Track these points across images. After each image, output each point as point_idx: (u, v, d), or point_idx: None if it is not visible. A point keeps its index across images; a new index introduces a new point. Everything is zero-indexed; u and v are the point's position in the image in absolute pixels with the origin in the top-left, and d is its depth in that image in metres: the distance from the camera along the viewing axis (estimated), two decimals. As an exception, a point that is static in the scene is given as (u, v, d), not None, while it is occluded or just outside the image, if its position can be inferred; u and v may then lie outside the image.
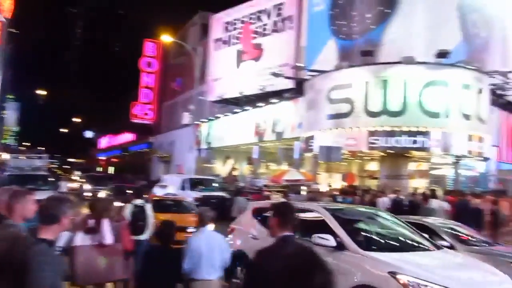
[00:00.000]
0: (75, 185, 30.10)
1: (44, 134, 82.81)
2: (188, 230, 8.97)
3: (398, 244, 6.36)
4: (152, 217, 7.44)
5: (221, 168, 32.36)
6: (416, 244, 6.21)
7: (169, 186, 18.50)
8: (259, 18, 27.58)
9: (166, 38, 33.88)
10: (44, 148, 49.13)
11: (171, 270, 4.60)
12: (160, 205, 11.58)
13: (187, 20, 41.76)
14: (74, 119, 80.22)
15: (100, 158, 74.48)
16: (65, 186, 21.98)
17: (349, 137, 18.13)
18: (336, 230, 5.79)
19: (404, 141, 17.18)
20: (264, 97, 25.74)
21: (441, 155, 18.52)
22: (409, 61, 17.20)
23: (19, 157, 28.80)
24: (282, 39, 25.66)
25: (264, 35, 27.00)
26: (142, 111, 46.44)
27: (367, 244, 5.86)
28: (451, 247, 6.93)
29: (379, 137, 17.53)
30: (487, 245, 7.90)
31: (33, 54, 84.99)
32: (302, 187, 18.92)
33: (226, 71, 30.07)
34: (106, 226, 5.01)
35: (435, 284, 4.73)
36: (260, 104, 26.24)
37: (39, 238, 2.50)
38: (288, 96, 23.85)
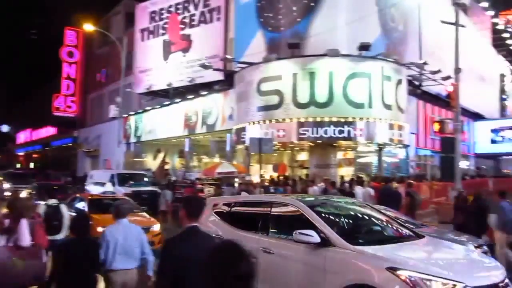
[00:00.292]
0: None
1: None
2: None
3: (383, 236, 5.87)
4: (67, 217, 7.26)
5: (152, 162, 31.67)
6: (399, 235, 5.89)
7: (107, 183, 17.59)
8: (186, 9, 27.05)
9: (88, 27, 32.23)
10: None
11: (88, 262, 4.57)
12: (97, 205, 10.76)
13: (110, 8, 40.03)
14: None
15: (19, 154, 69.84)
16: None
17: (279, 128, 18.49)
18: (318, 225, 5.30)
19: (332, 131, 17.81)
20: (194, 89, 25.45)
21: (366, 144, 19.46)
22: (334, 53, 17.80)
23: None
24: (211, 30, 25.41)
25: (192, 26, 26.56)
26: (65, 103, 44.07)
27: (353, 238, 5.37)
28: None
29: (308, 128, 18.04)
30: (414, 227, 7.94)
31: None
32: (235, 179, 19.08)
33: (154, 62, 29.29)
34: (24, 226, 4.80)
35: (440, 277, 4.40)
36: (190, 96, 25.92)
37: None
38: (218, 88, 23.77)
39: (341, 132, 17.81)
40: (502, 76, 40.06)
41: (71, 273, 4.44)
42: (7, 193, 22.17)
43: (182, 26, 27.17)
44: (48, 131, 54.23)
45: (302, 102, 18.23)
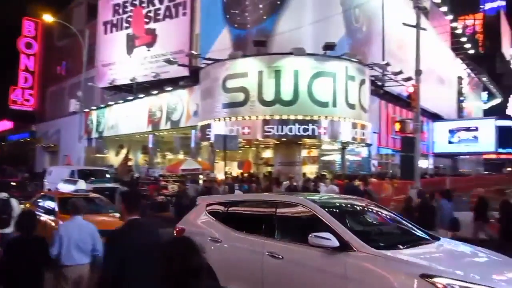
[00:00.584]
0: None
1: None
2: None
3: (400, 238, 5.29)
4: (17, 211, 7.19)
5: (114, 158, 30.98)
6: (417, 236, 5.35)
7: (80, 181, 16.38)
8: (151, 2, 26.54)
9: (48, 18, 31.05)
10: None
11: (35, 260, 4.52)
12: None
13: (71, -1, 38.81)
14: None
15: (-28, 149, 66.77)
16: None
17: (244, 125, 18.48)
18: (334, 227, 4.76)
19: (296, 129, 17.96)
20: (159, 84, 25.05)
21: (330, 142, 19.75)
22: (299, 52, 17.93)
23: None
24: (176, 25, 25.06)
25: (157, 20, 26.10)
26: (22, 96, 42.44)
27: (372, 240, 4.78)
28: None
29: (273, 126, 18.11)
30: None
31: None
32: (199, 176, 18.93)
33: (117, 56, 28.62)
34: None
35: (482, 285, 3.87)
36: (154, 91, 25.50)
37: None
38: (183, 84, 23.49)
39: (305, 130, 17.99)
40: (460, 78, 41.68)
41: (16, 271, 4.42)
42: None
43: (147, 20, 26.67)
44: (4, 125, 52.11)
45: (268, 99, 18.28)
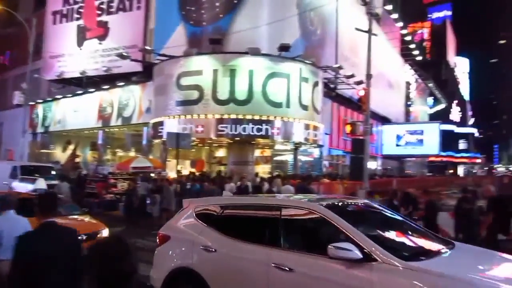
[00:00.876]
0: None
1: None
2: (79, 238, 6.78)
3: (423, 247, 4.66)
4: None
5: (61, 154, 29.80)
6: (437, 244, 4.74)
7: (39, 179, 14.99)
8: (104, -6, 25.72)
9: (-9, 4, 29.36)
10: None
11: None
12: (29, 207, 8.65)
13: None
14: None
15: None
16: None
17: (198, 124, 18.30)
18: (353, 236, 4.16)
19: (250, 129, 18.01)
20: (110, 79, 24.29)
21: (282, 142, 19.94)
22: (254, 52, 17.99)
23: None
24: (130, 19, 24.38)
25: (110, 13, 25.29)
26: (-39, 87, 39.92)
27: (396, 250, 4.15)
28: None
29: (227, 125, 18.06)
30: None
31: None
32: (151, 174, 18.54)
33: (67, 48, 27.48)
34: None
35: None
36: (105, 86, 24.73)
37: None
38: (136, 80, 22.93)
39: (259, 130, 18.07)
40: (408, 84, 43.49)
41: None
42: None
43: (99, 12, 25.79)
44: None
45: (222, 98, 18.21)
